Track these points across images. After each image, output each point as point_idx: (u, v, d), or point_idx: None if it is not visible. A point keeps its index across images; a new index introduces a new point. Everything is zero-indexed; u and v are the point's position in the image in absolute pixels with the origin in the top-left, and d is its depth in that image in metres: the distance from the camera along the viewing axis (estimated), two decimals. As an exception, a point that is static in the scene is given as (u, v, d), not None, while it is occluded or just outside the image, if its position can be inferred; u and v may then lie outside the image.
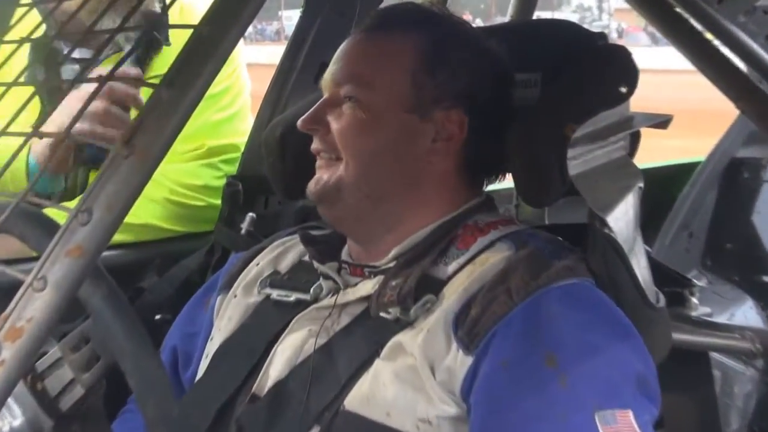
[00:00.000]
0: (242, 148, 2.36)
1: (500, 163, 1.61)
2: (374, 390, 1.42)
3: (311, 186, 1.57)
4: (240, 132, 2.39)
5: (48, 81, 2.08)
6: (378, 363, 1.44)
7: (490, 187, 1.65)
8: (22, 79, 1.91)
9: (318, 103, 1.57)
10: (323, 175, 1.55)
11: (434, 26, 1.58)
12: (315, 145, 1.57)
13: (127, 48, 2.12)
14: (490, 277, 1.45)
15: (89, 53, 2.15)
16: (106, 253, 0.83)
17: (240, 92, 2.39)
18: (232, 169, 2.37)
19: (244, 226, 2.20)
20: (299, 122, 1.57)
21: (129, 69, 2.08)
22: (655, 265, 1.60)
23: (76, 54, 2.18)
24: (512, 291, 1.41)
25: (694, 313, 1.83)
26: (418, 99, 1.53)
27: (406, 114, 1.53)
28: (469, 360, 1.39)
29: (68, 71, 2.18)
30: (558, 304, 1.41)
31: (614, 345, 1.39)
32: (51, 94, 2.13)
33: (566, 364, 1.35)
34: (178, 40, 2.22)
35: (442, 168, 1.56)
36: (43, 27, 2.04)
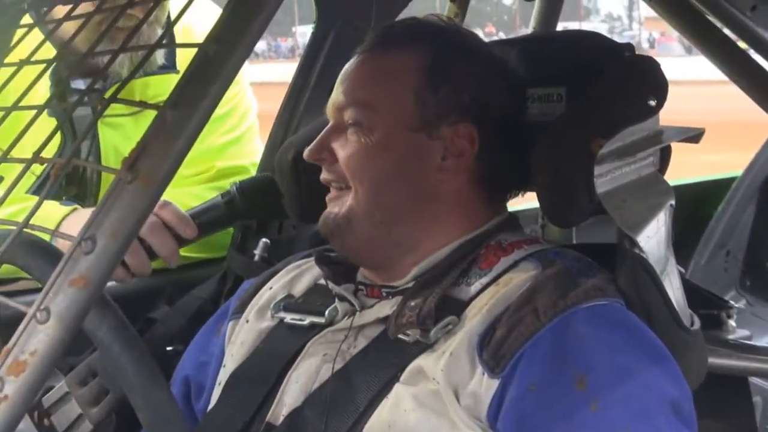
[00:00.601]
0: (252, 171, 2.33)
1: (518, 178, 1.58)
2: (395, 416, 1.40)
3: (323, 221, 1.56)
4: (247, 154, 2.38)
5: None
6: (398, 387, 1.42)
7: (515, 208, 1.61)
8: (45, 113, 1.89)
9: (323, 131, 1.56)
10: (333, 209, 1.54)
11: (435, 40, 1.56)
12: (324, 175, 1.56)
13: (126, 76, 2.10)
14: (516, 297, 1.42)
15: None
16: (113, 283, 0.80)
17: (246, 113, 2.37)
18: None
19: (258, 251, 2.18)
20: (305, 153, 1.56)
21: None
22: (689, 287, 1.58)
23: (81, 86, 2.18)
24: (539, 311, 1.39)
25: (731, 337, 1.80)
26: (423, 117, 1.51)
27: (413, 134, 1.51)
28: (495, 383, 1.36)
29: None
30: (587, 325, 1.38)
31: (647, 368, 1.37)
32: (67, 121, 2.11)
33: (597, 387, 1.33)
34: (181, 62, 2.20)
35: (456, 185, 1.54)
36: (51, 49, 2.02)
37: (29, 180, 2.13)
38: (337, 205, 1.53)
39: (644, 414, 1.33)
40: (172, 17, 2.15)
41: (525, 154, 1.50)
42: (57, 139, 2.13)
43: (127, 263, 1.91)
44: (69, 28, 1.86)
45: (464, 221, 1.54)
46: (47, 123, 2.03)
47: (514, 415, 1.34)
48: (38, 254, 1.26)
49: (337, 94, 1.55)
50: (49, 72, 1.85)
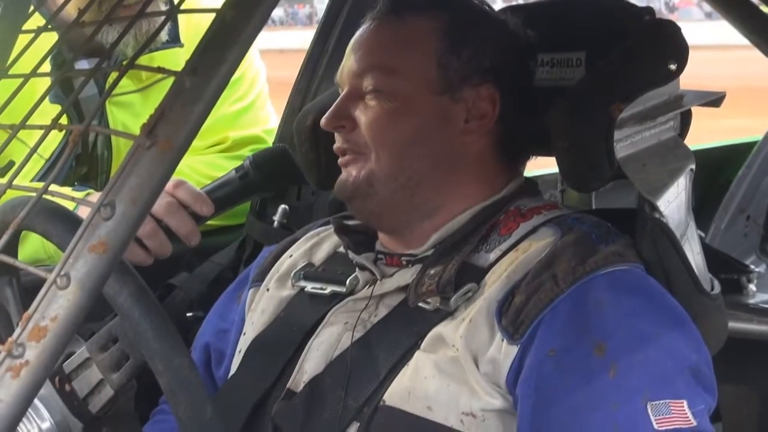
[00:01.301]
0: (268, 139, 2.32)
1: (537, 142, 1.58)
2: (415, 383, 1.40)
3: (340, 183, 1.55)
4: (261, 120, 2.37)
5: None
6: (418, 355, 1.42)
7: (534, 173, 1.60)
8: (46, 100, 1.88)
9: (339, 98, 1.54)
10: (352, 171, 1.53)
11: (450, 6, 1.55)
12: (338, 143, 1.55)
13: (132, 55, 2.09)
14: (535, 264, 1.42)
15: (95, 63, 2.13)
16: None
17: (255, 79, 2.35)
18: None
19: (277, 218, 2.18)
20: (322, 121, 1.55)
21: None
22: (709, 251, 1.58)
23: (86, 65, 2.16)
24: (558, 277, 1.39)
25: (752, 301, 1.79)
26: (446, 80, 1.50)
27: (437, 96, 1.50)
28: (514, 350, 1.37)
29: (79, 82, 2.15)
30: (606, 291, 1.38)
31: (666, 333, 1.37)
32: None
33: (615, 352, 1.33)
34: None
35: (478, 148, 1.53)
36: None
37: (37, 164, 2.13)
38: (355, 169, 1.52)
39: (663, 379, 1.33)
40: None
41: (543, 118, 1.50)
42: (62, 123, 2.11)
43: (147, 246, 1.91)
44: (72, 9, 1.86)
45: (484, 185, 1.54)
46: (51, 110, 2.02)
47: (533, 381, 1.34)
48: (58, 220, 1.26)
49: (352, 61, 1.54)
50: (49, 58, 1.84)
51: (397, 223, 1.55)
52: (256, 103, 2.35)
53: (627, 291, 1.40)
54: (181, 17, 2.21)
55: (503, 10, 1.64)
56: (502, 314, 1.39)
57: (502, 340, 1.37)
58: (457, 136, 1.51)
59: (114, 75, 2.15)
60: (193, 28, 2.17)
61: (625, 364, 1.33)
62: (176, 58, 2.13)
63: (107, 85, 2.14)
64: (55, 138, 2.11)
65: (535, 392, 1.34)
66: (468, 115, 1.51)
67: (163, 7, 2.13)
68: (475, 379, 1.37)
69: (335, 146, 1.55)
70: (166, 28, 2.14)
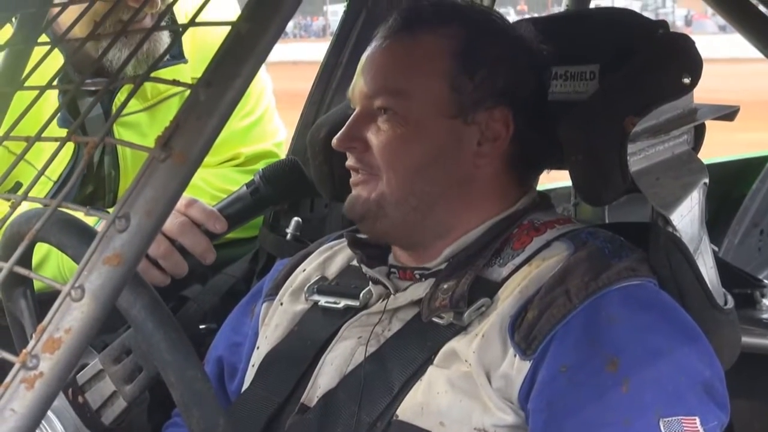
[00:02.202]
0: (279, 153, 2.33)
1: (550, 157, 1.57)
2: (428, 398, 1.40)
3: (349, 203, 1.54)
4: (270, 134, 2.37)
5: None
6: (431, 370, 1.42)
7: (547, 186, 1.60)
8: (54, 123, 1.88)
9: (351, 119, 1.53)
10: (362, 193, 1.52)
11: (464, 23, 1.53)
12: (350, 162, 1.54)
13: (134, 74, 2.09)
14: (548, 279, 1.42)
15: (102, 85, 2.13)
16: None
17: (262, 93, 2.35)
18: None
19: (290, 230, 2.17)
20: (334, 141, 1.54)
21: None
22: (722, 266, 1.57)
23: (92, 86, 2.16)
24: (571, 293, 1.38)
25: (765, 316, 1.78)
26: (459, 103, 1.49)
27: (449, 120, 1.49)
28: (526, 365, 1.36)
29: (85, 104, 2.17)
30: (619, 306, 1.38)
31: (678, 348, 1.37)
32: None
33: (628, 368, 1.33)
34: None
35: (491, 169, 1.52)
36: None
37: (45, 186, 2.13)
38: (366, 190, 1.51)
39: (676, 395, 1.33)
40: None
41: (557, 132, 1.50)
42: (69, 146, 2.12)
43: (163, 266, 1.92)
44: (78, 31, 1.87)
45: (497, 203, 1.53)
46: (58, 133, 2.03)
47: (545, 397, 1.34)
48: (72, 232, 1.26)
49: (363, 82, 1.53)
50: (56, 81, 1.85)
51: (409, 241, 1.55)
52: (264, 117, 2.35)
53: (640, 306, 1.39)
54: (185, 33, 2.22)
55: (518, 23, 1.64)
56: (515, 330, 1.38)
57: (515, 356, 1.37)
58: (470, 159, 1.50)
59: (122, 95, 2.14)
60: (198, 43, 2.17)
61: (637, 380, 1.32)
62: (181, 75, 2.13)
63: (114, 106, 2.15)
64: (63, 159, 2.12)
65: (548, 407, 1.33)
66: (481, 137, 1.50)
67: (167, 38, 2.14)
68: (487, 395, 1.37)
69: (347, 163, 1.54)
70: (167, 45, 2.14)
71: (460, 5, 1.58)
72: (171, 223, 1.89)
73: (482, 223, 1.52)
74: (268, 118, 2.37)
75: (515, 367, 1.36)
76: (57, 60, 1.98)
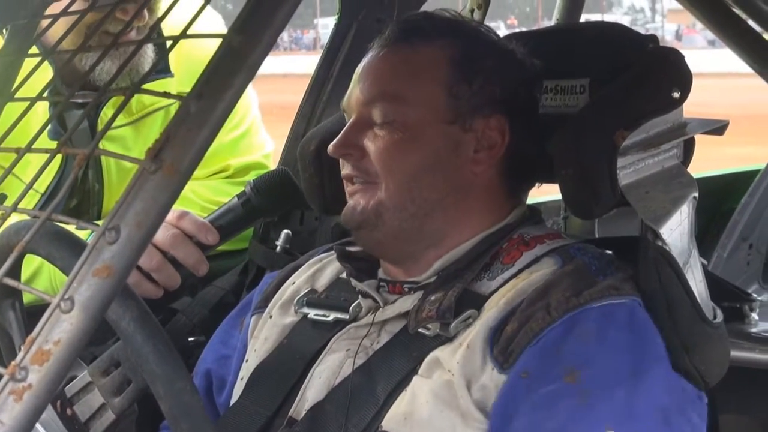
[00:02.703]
0: (266, 163, 2.33)
1: (542, 170, 1.57)
2: (412, 408, 1.40)
3: (348, 212, 1.54)
4: (258, 146, 2.37)
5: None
6: (416, 380, 1.42)
7: (537, 199, 1.60)
8: (45, 135, 1.87)
9: (347, 126, 1.54)
10: (360, 201, 1.52)
11: (459, 34, 1.55)
12: (346, 170, 1.54)
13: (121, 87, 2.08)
14: (530, 292, 1.42)
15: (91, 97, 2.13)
16: None
17: (248, 108, 2.36)
18: None
19: (280, 243, 2.17)
20: (330, 148, 1.54)
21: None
22: (711, 279, 1.57)
23: (80, 99, 2.16)
24: (551, 307, 1.39)
25: (754, 330, 1.78)
26: (457, 109, 1.50)
27: (447, 126, 1.50)
28: (502, 379, 1.37)
29: (72, 117, 2.16)
30: (594, 323, 1.38)
31: (644, 371, 1.36)
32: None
33: (587, 382, 1.34)
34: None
35: (486, 177, 1.53)
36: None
37: (33, 198, 2.13)
38: (363, 198, 1.51)
39: (630, 415, 1.33)
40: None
41: (545, 146, 1.50)
42: (57, 159, 2.12)
43: (155, 279, 1.92)
44: (68, 44, 1.87)
45: (490, 213, 1.54)
46: (46, 145, 2.03)
47: (504, 400, 1.35)
48: (62, 244, 1.26)
49: (359, 89, 1.54)
50: (46, 93, 1.85)
51: (402, 252, 1.55)
52: (251, 129, 2.36)
53: (615, 325, 1.39)
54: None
55: (509, 38, 1.65)
56: (494, 343, 1.39)
57: (493, 369, 1.38)
58: (467, 166, 1.51)
59: (108, 110, 2.14)
60: (184, 57, 2.17)
61: (594, 395, 1.32)
62: (167, 88, 2.13)
63: (100, 119, 2.15)
64: (50, 171, 2.12)
65: (503, 409, 1.35)
66: (477, 145, 1.51)
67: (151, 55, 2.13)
68: (467, 405, 1.37)
69: (343, 173, 1.55)
70: (152, 59, 2.14)
71: (454, 19, 1.59)
72: (163, 236, 1.89)
73: (474, 235, 1.52)
74: (255, 131, 2.37)
75: (493, 380, 1.37)
76: (46, 72, 1.98)
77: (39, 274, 2.02)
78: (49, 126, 2.06)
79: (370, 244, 1.56)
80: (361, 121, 1.52)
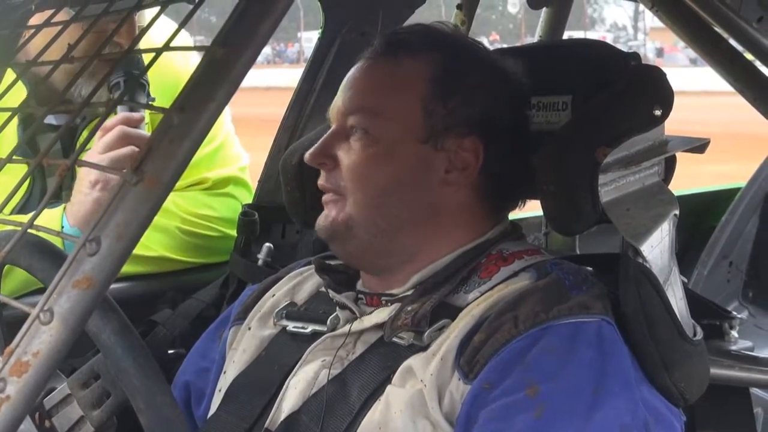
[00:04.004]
0: (242, 175, 2.33)
1: (524, 188, 1.57)
2: (386, 418, 1.39)
3: (320, 222, 1.54)
4: (233, 159, 2.39)
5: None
6: (389, 389, 1.42)
7: (519, 215, 1.60)
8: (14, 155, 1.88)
9: (325, 135, 1.54)
10: (332, 211, 1.52)
11: (445, 49, 1.54)
12: (321, 181, 1.54)
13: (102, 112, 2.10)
14: (501, 304, 1.41)
15: (65, 120, 2.13)
16: (116, 286, 0.80)
17: (221, 122, 2.35)
18: (247, 198, 2.33)
19: (261, 256, 2.17)
20: (306, 155, 1.54)
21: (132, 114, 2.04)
22: (692, 297, 1.56)
23: (53, 121, 2.17)
24: (519, 319, 1.38)
25: (733, 347, 1.77)
26: (430, 128, 1.49)
27: (420, 144, 1.50)
28: (467, 389, 1.37)
29: (45, 140, 2.16)
30: (560, 340, 1.37)
31: (606, 390, 1.35)
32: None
33: (547, 397, 1.32)
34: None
35: (459, 198, 1.53)
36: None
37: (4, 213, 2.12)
38: (335, 209, 1.51)
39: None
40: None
41: (529, 164, 1.50)
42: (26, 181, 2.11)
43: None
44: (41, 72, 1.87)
45: (467, 231, 1.54)
46: (15, 167, 2.02)
47: (465, 409, 1.35)
48: (42, 255, 1.25)
49: (342, 99, 1.54)
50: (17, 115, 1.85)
51: (377, 266, 1.55)
52: (226, 142, 2.37)
53: (581, 343, 1.37)
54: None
55: (498, 53, 1.64)
56: (461, 353, 1.39)
57: (459, 379, 1.37)
58: (437, 186, 1.51)
59: (86, 131, 2.14)
60: (159, 79, 2.15)
61: (552, 410, 1.31)
62: (146, 113, 2.13)
63: (78, 141, 2.15)
64: (19, 193, 2.11)
65: (465, 419, 1.34)
66: (449, 165, 1.50)
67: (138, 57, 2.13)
68: (436, 415, 1.37)
69: (319, 182, 1.55)
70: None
71: (445, 33, 1.58)
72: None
73: (452, 251, 1.52)
74: (229, 144, 2.38)
75: (459, 390, 1.37)
76: (22, 90, 1.98)
77: (12, 269, 2.01)
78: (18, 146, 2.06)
79: (343, 256, 1.56)
80: (339, 131, 1.52)
